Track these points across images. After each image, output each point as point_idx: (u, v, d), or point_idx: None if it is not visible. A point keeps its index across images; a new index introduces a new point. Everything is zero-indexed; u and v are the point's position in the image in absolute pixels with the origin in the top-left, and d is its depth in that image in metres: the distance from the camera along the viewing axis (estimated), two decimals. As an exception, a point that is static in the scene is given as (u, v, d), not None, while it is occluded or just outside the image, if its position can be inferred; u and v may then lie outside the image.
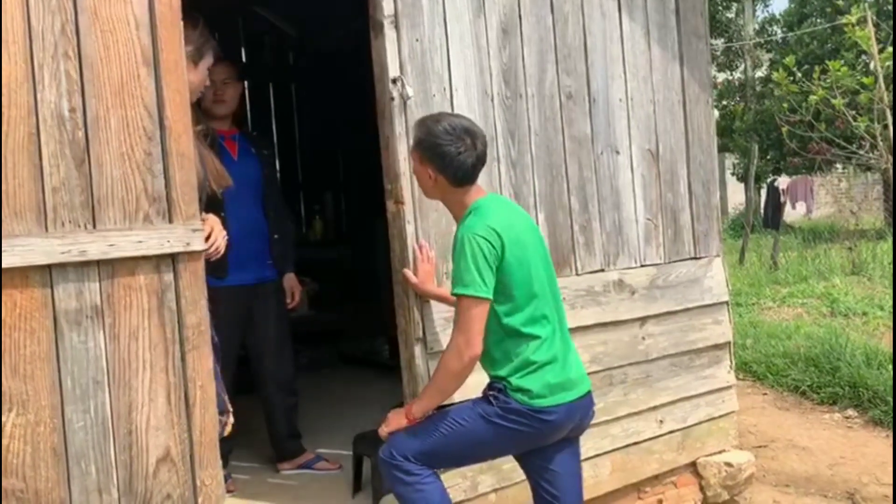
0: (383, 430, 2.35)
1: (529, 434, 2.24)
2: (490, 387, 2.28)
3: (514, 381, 2.21)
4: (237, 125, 3.45)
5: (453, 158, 2.22)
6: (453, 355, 2.19)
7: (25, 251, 1.93)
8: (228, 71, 3.25)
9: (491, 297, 2.17)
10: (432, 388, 2.29)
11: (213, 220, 2.49)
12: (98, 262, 2.04)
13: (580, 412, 2.30)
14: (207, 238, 2.44)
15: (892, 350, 5.30)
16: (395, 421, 2.32)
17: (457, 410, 2.28)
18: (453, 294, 2.21)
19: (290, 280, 3.41)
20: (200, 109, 3.22)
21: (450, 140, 2.22)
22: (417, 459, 2.23)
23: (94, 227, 2.04)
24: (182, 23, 2.30)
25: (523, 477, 2.75)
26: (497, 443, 2.28)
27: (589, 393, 2.33)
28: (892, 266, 8.46)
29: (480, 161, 2.28)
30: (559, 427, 2.26)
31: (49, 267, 1.98)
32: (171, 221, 2.14)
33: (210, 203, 2.81)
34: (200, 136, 2.50)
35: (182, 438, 2.15)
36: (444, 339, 2.66)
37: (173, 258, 2.14)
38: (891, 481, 3.78)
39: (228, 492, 2.95)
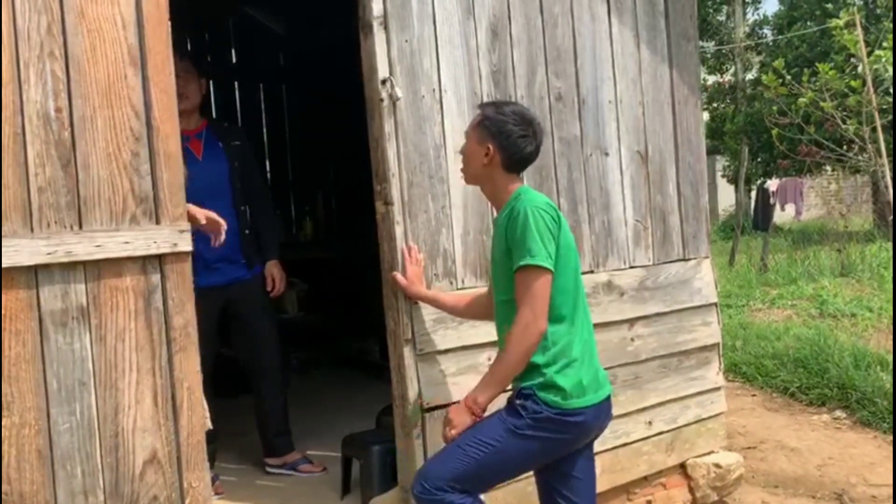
0: (451, 433, 2.19)
1: (562, 441, 2.20)
2: (518, 395, 2.21)
3: (549, 374, 2.15)
4: (206, 118, 3.42)
5: (516, 139, 2.24)
6: (521, 332, 2.11)
7: (10, 252, 1.92)
8: (186, 65, 3.23)
9: (553, 270, 2.13)
10: (497, 373, 2.18)
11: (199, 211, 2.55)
12: (84, 263, 2.03)
13: (604, 414, 2.28)
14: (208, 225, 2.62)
15: (881, 352, 5.33)
16: (460, 419, 2.18)
17: (484, 429, 2.18)
18: (519, 267, 2.12)
19: (271, 266, 3.37)
20: None
21: (516, 121, 2.25)
22: (454, 487, 2.13)
23: (81, 227, 2.03)
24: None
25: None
26: (532, 455, 2.22)
27: (610, 395, 2.31)
28: (881, 268, 8.52)
29: (536, 152, 2.31)
30: (588, 430, 2.24)
31: (34, 268, 1.96)
32: (158, 222, 2.13)
33: None
34: None
35: (169, 440, 2.14)
36: (434, 339, 2.66)
37: (160, 259, 2.14)
38: (879, 482, 3.80)
39: (216, 494, 2.94)
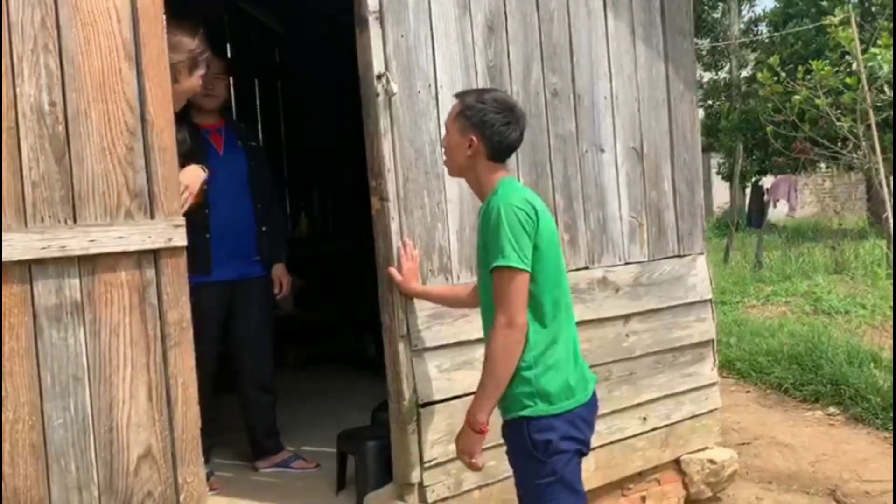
0: (472, 461, 2.16)
1: (579, 442, 2.18)
2: (510, 429, 2.17)
3: (533, 378, 2.11)
4: (225, 117, 3.45)
5: (500, 128, 2.17)
6: (497, 339, 2.07)
7: (4, 246, 1.91)
8: (220, 66, 3.26)
9: (530, 269, 2.08)
10: (487, 384, 2.11)
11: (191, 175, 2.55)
12: (78, 258, 2.02)
13: (594, 407, 2.27)
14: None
15: (874, 348, 5.35)
16: (469, 444, 2.15)
17: (535, 498, 2.15)
18: (494, 268, 2.06)
19: (278, 269, 3.40)
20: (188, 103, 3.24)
21: (497, 108, 2.18)
22: None
23: (75, 222, 2.02)
24: (181, 30, 2.30)
25: (507, 474, 2.75)
26: (577, 472, 2.18)
27: (594, 388, 2.29)
28: (874, 265, 8.54)
29: (520, 139, 2.24)
30: (588, 423, 2.22)
31: (28, 262, 1.96)
32: (152, 217, 2.13)
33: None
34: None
35: (164, 436, 2.14)
36: (429, 335, 2.66)
37: (155, 254, 2.13)
38: (872, 478, 3.81)
39: (211, 490, 2.94)
